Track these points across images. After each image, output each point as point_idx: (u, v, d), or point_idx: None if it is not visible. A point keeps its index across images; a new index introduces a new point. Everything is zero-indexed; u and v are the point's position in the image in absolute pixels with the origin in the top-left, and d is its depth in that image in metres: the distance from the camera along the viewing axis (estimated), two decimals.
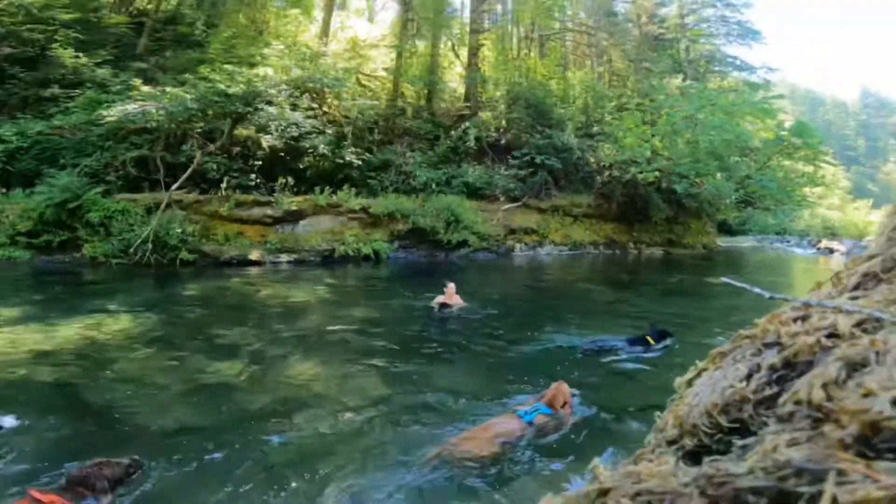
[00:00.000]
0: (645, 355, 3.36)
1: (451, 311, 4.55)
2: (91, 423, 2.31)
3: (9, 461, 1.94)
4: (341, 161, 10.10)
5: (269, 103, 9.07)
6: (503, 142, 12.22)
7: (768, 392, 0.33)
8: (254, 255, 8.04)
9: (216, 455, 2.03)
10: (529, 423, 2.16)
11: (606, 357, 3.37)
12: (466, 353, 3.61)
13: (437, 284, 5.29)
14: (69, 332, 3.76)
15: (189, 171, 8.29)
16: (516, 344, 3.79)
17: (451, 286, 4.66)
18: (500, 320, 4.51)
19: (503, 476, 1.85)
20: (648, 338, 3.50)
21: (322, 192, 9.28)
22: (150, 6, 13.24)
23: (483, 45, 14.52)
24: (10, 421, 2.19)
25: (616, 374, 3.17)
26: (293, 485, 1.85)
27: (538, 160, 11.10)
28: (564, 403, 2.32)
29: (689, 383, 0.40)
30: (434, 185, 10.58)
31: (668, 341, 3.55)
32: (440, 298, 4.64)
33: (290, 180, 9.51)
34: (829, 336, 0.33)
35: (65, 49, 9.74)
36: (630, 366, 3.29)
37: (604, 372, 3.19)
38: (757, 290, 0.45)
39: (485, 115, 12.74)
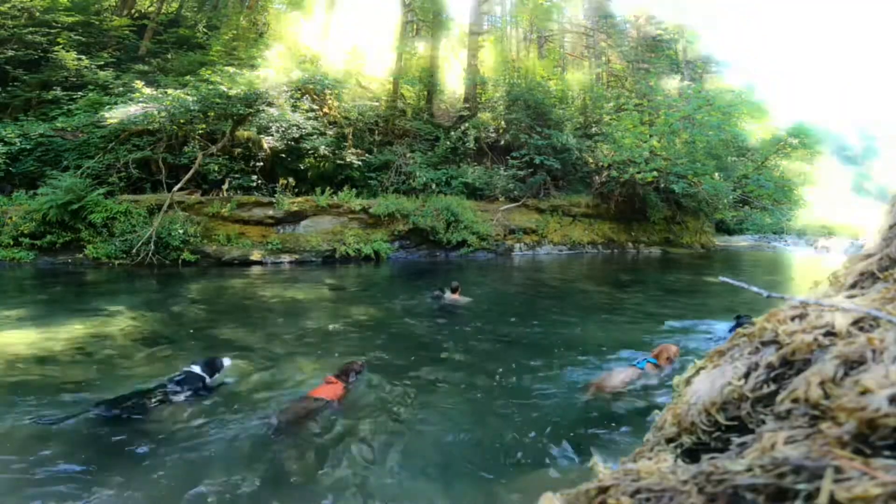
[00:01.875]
0: None
1: (453, 303, 4.91)
2: (92, 421, 2.31)
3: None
4: (342, 162, 10.12)
5: (270, 105, 9.09)
6: (502, 142, 12.23)
7: (766, 390, 0.33)
8: (255, 256, 8.05)
9: (221, 452, 2.04)
10: (642, 369, 2.80)
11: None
12: (470, 348, 3.61)
13: (438, 283, 5.48)
14: (72, 332, 3.77)
15: (191, 172, 8.31)
16: (517, 340, 3.80)
17: (457, 286, 5.13)
18: (503, 318, 4.53)
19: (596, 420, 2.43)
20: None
21: (323, 192, 9.30)
22: (151, 9, 13.30)
23: (482, 46, 14.55)
24: (228, 361, 2.81)
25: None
26: (293, 483, 1.86)
27: (537, 160, 11.11)
28: (668, 359, 2.86)
29: (688, 382, 0.40)
30: (434, 186, 10.59)
31: None
32: (449, 295, 5.00)
33: (291, 181, 9.53)
34: (827, 334, 0.33)
35: (67, 52, 9.79)
36: (628, 364, 3.29)
37: (602, 368, 3.18)
38: (755, 288, 0.46)
39: (484, 115, 12.75)
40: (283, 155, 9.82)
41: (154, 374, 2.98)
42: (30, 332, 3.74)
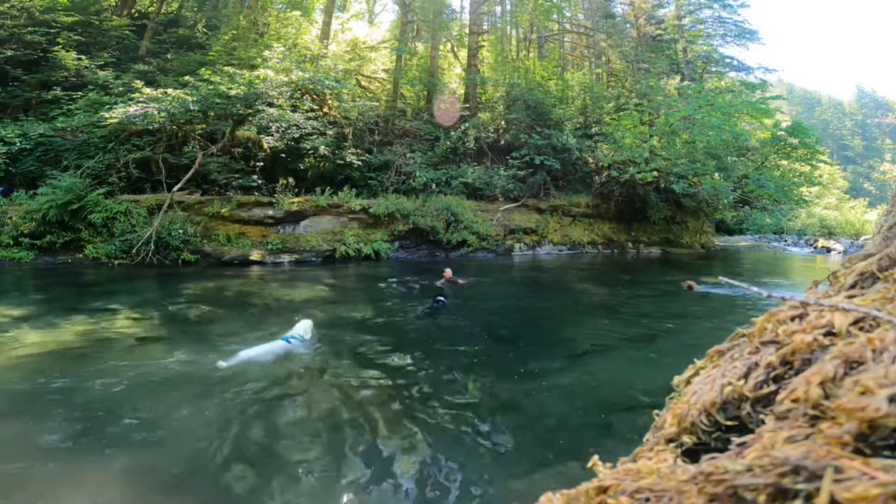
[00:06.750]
0: None
1: (449, 285, 5.93)
2: (92, 421, 2.32)
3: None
4: (342, 162, 10.12)
5: (270, 105, 9.10)
6: (502, 142, 12.25)
7: (766, 390, 0.33)
8: (255, 256, 8.05)
9: (221, 451, 2.04)
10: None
11: None
12: (468, 348, 3.61)
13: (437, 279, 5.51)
14: (71, 331, 3.77)
15: (191, 172, 8.31)
16: (516, 340, 3.80)
17: (448, 270, 6.20)
18: (502, 318, 4.53)
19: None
20: None
21: (323, 192, 9.30)
22: (151, 9, 13.31)
23: (482, 46, 14.57)
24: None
25: (614, 371, 3.18)
26: (294, 481, 1.86)
27: (537, 160, 11.12)
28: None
29: (688, 381, 0.41)
30: (434, 186, 10.59)
31: None
32: (446, 277, 6.05)
33: (291, 181, 9.54)
34: (827, 334, 0.34)
35: (67, 51, 9.79)
36: (627, 363, 3.30)
37: (601, 368, 3.19)
38: (754, 288, 0.46)
39: (484, 115, 12.76)
40: (283, 155, 9.82)
41: (154, 374, 2.99)
42: (30, 332, 3.74)
